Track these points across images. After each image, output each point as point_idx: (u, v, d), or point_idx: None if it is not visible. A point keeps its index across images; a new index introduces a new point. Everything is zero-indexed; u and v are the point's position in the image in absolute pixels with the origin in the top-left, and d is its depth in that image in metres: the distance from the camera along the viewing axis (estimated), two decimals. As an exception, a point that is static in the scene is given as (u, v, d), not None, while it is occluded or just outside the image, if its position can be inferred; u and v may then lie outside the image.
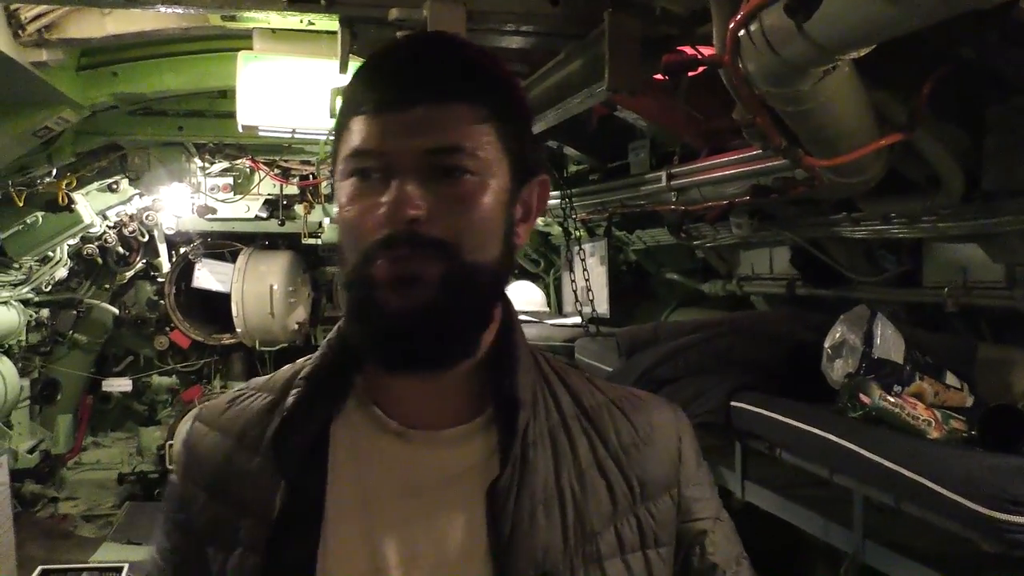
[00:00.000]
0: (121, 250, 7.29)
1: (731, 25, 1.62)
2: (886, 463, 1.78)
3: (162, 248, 7.57)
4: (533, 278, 6.14)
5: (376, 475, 0.88)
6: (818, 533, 2.19)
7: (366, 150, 0.81)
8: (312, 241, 7.16)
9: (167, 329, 7.90)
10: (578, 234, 4.36)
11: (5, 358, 6.47)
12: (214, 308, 7.63)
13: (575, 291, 4.47)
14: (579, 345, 3.75)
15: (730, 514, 0.98)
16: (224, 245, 7.75)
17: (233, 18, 3.14)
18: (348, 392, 0.91)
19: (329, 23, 2.76)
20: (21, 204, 5.22)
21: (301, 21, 3.13)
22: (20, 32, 2.94)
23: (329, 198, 6.08)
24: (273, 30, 3.33)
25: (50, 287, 6.90)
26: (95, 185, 5.86)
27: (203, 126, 4.70)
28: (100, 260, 7.17)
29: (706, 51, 1.86)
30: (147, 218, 7.06)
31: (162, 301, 7.80)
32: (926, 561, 1.81)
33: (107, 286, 7.62)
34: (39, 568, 5.00)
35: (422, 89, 0.80)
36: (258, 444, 0.90)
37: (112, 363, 8.00)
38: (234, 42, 3.46)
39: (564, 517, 0.85)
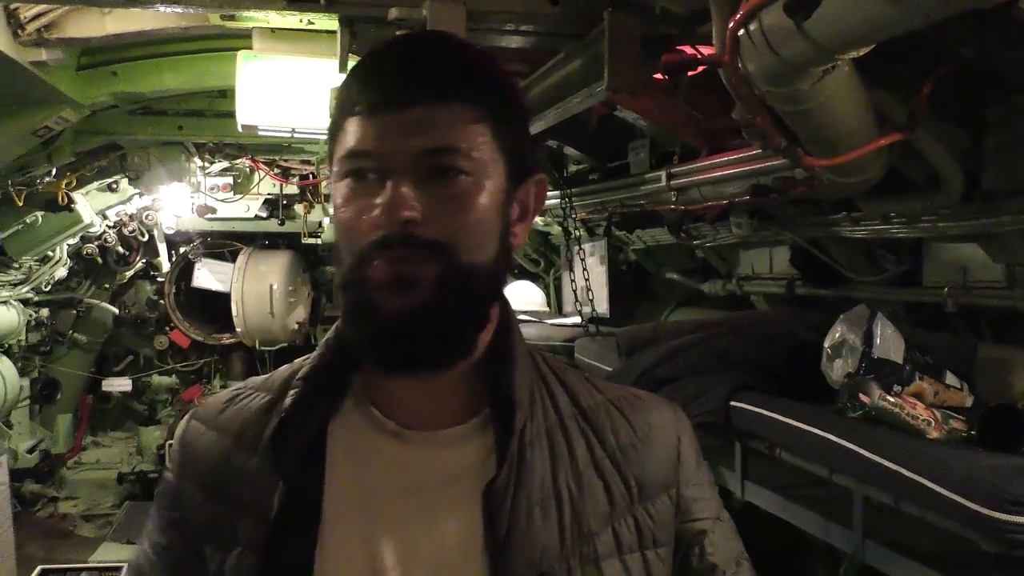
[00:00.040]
0: (121, 250, 7.29)
1: (731, 24, 1.62)
2: (886, 463, 1.78)
3: (162, 248, 7.57)
4: (533, 278, 6.13)
5: (374, 475, 0.88)
6: (818, 533, 2.19)
7: (361, 151, 0.81)
8: (312, 241, 7.16)
9: (167, 329, 7.91)
10: (578, 234, 4.36)
11: (5, 358, 6.47)
12: (214, 308, 7.63)
13: (575, 291, 4.47)
14: (579, 345, 3.75)
15: (730, 514, 0.97)
16: (224, 245, 7.75)
17: (232, 17, 3.13)
18: (346, 392, 0.91)
19: (328, 22, 2.76)
20: (21, 204, 5.22)
21: (300, 20, 3.12)
22: (20, 31, 2.94)
23: (329, 198, 6.08)
24: (272, 29, 3.32)
25: (50, 287, 6.90)
26: (95, 185, 5.86)
27: (203, 125, 4.70)
28: (100, 260, 7.17)
29: (706, 51, 1.86)
30: (147, 218, 7.06)
31: (162, 301, 7.81)
32: (926, 561, 1.81)
33: (107, 286, 7.62)
34: (39, 568, 5.00)
35: (417, 89, 0.80)
36: (256, 444, 0.90)
37: (112, 363, 8.01)
38: (233, 41, 3.46)
39: (561, 517, 0.85)
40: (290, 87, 3.40)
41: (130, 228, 7.10)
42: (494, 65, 0.87)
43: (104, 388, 7.79)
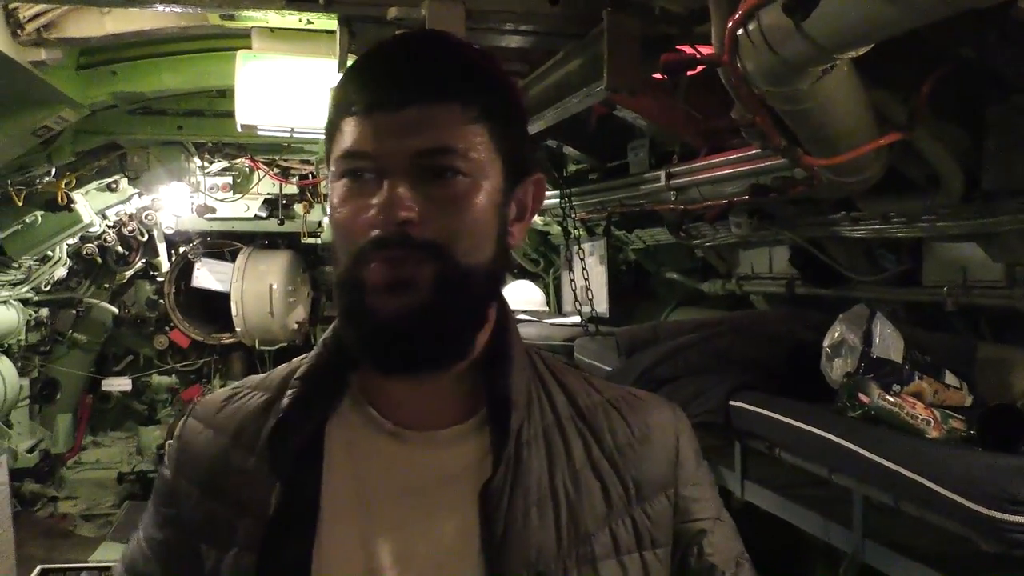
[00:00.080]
0: (120, 249, 7.30)
1: (730, 24, 1.62)
2: (885, 463, 1.78)
3: (161, 247, 7.57)
4: (533, 277, 6.13)
5: (372, 475, 0.88)
6: (817, 533, 2.19)
7: (357, 151, 0.81)
8: (311, 240, 7.16)
9: (167, 328, 7.91)
10: (577, 233, 4.36)
11: (4, 357, 6.47)
12: (214, 307, 7.63)
13: (574, 290, 4.47)
14: (579, 344, 3.75)
15: (729, 514, 0.97)
16: (223, 244, 7.75)
17: (232, 17, 3.13)
18: (344, 391, 0.91)
19: (328, 22, 2.76)
20: (20, 203, 5.21)
21: (300, 20, 3.12)
22: (19, 31, 2.94)
23: (328, 197, 6.08)
24: (272, 29, 3.32)
25: (49, 286, 6.90)
26: (94, 184, 5.86)
27: (202, 125, 4.69)
28: (99, 259, 7.17)
29: (705, 50, 1.86)
30: (146, 217, 7.07)
31: (161, 300, 7.81)
32: (926, 561, 1.81)
33: (106, 285, 7.62)
34: (38, 567, 5.00)
35: (413, 89, 0.80)
36: (254, 443, 0.89)
37: (112, 362, 8.01)
38: (233, 41, 3.46)
39: (558, 518, 0.85)
40: (289, 87, 3.39)
41: (130, 228, 7.10)
42: (491, 64, 0.87)
43: (104, 388, 7.80)
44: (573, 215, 4.19)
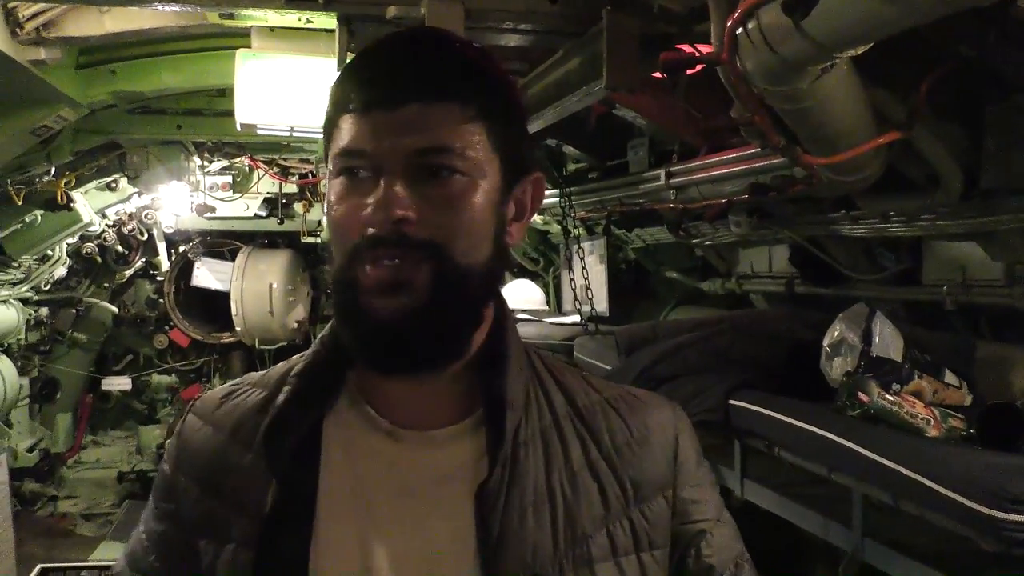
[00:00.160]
0: (120, 249, 7.30)
1: (729, 23, 1.61)
2: (885, 461, 1.78)
3: (161, 247, 7.57)
4: (532, 276, 6.13)
5: (368, 474, 0.87)
6: (817, 531, 2.19)
7: (354, 149, 0.81)
8: (311, 239, 7.15)
9: (166, 328, 7.91)
10: (577, 232, 4.36)
11: (4, 357, 6.47)
12: (213, 307, 7.63)
13: (574, 289, 4.47)
14: (578, 344, 3.75)
15: (729, 513, 0.96)
16: (223, 244, 7.75)
17: (231, 16, 3.13)
18: (341, 389, 0.91)
19: (327, 21, 2.76)
20: (20, 203, 5.21)
21: (299, 19, 3.12)
22: (18, 30, 2.93)
23: (328, 196, 6.08)
24: (271, 28, 3.32)
25: (49, 286, 6.91)
26: (94, 184, 5.86)
27: (202, 124, 4.69)
28: (99, 259, 7.17)
29: (704, 49, 1.86)
30: (146, 217, 7.07)
31: (161, 300, 7.81)
32: (925, 559, 1.81)
33: (106, 285, 7.62)
34: (38, 567, 5.00)
35: (410, 88, 0.79)
36: (251, 440, 0.89)
37: (111, 362, 8.00)
38: (232, 40, 3.46)
39: (554, 519, 0.85)
40: (289, 86, 3.39)
41: (129, 227, 7.10)
42: (489, 63, 0.87)
43: (104, 387, 7.79)
44: (573, 214, 4.20)
